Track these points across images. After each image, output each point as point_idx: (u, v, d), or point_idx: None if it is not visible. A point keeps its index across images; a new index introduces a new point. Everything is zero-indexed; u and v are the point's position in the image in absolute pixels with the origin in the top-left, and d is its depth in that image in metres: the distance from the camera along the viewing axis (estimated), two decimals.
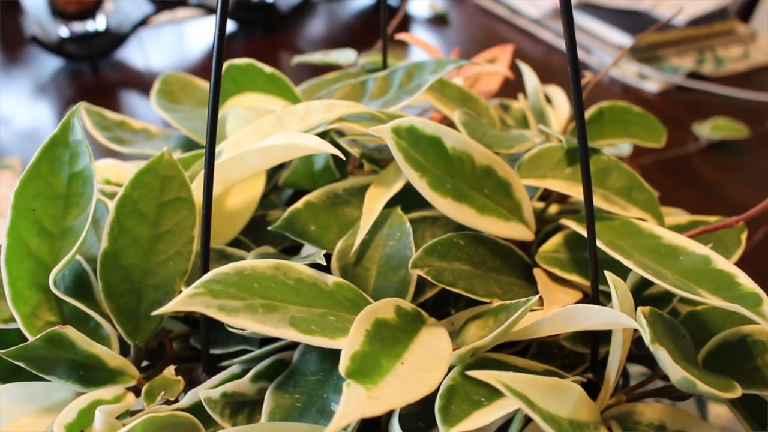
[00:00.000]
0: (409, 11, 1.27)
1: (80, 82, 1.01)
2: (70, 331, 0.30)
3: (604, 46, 1.07)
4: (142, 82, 1.02)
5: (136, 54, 1.08)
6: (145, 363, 0.36)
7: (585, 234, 0.34)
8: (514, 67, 0.53)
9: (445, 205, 0.33)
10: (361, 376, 0.25)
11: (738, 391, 0.28)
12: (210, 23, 1.17)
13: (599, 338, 0.34)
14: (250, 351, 0.33)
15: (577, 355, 0.35)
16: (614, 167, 0.38)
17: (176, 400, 0.32)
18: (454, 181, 0.34)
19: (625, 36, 1.05)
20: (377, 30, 1.20)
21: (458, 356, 0.29)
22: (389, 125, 0.32)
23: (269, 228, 0.35)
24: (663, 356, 0.27)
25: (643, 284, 0.35)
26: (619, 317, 0.27)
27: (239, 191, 0.39)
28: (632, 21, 1.09)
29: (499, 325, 0.31)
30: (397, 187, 0.36)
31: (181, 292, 0.33)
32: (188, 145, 0.48)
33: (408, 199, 0.37)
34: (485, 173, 0.36)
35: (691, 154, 0.85)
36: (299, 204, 0.36)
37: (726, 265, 0.32)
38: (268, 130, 0.37)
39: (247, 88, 0.42)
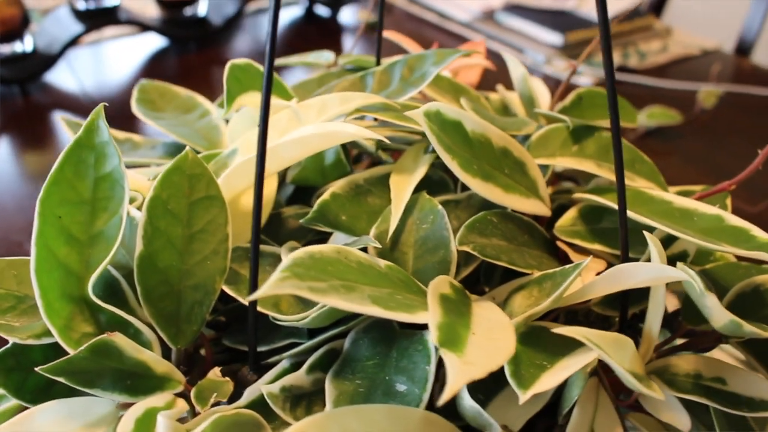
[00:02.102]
0: (341, 21, 1.28)
1: (10, 106, 0.96)
2: (119, 339, 0.29)
3: (535, 45, 1.11)
4: (75, 104, 0.98)
5: (66, 75, 1.04)
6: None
7: (605, 205, 0.35)
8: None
9: (475, 185, 0.34)
10: (450, 345, 0.25)
11: None
12: (140, 40, 1.14)
13: (628, 300, 0.35)
14: (298, 344, 0.33)
15: (603, 320, 0.37)
16: None
17: (227, 402, 0.31)
18: (479, 162, 0.35)
19: (554, 34, 1.10)
20: (311, 40, 1.20)
21: (516, 324, 0.30)
22: (421, 110, 0.33)
23: (301, 221, 0.35)
24: (713, 302, 0.29)
25: (665, 244, 0.37)
26: (667, 270, 0.29)
27: None
28: (559, 20, 1.14)
29: (544, 293, 0.32)
30: (421, 172, 0.37)
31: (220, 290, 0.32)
32: (177, 151, 0.46)
33: (420, 186, 0.37)
34: (503, 154, 0.37)
35: (631, 141, 0.90)
36: (326, 196, 0.36)
37: (738, 221, 0.34)
38: (285, 125, 0.37)
39: (249, 87, 0.41)
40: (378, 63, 0.47)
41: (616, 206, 0.36)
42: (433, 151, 0.39)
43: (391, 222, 0.35)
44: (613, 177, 0.39)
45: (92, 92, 0.99)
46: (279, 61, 0.56)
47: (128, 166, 0.46)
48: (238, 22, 1.21)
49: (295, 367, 0.33)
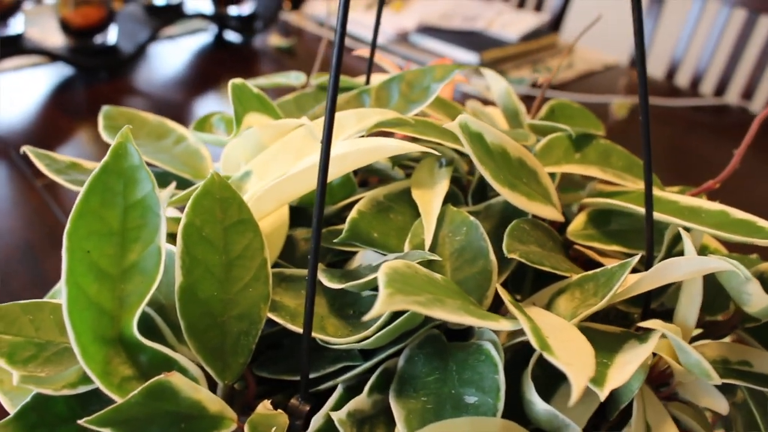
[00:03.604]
0: (256, 46, 1.26)
1: None
2: (176, 379, 0.27)
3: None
4: None
5: None
6: None
7: (616, 207, 0.37)
8: None
9: (505, 193, 0.35)
10: (548, 351, 0.25)
11: None
12: (43, 71, 1.07)
13: (651, 297, 0.37)
14: (351, 367, 0.31)
15: (623, 318, 0.38)
16: (612, 149, 0.42)
17: None
18: (503, 172, 0.36)
19: (470, 54, 1.13)
20: (224, 66, 1.18)
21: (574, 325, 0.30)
22: (458, 121, 0.33)
23: (335, 241, 0.34)
24: (755, 288, 0.30)
25: (673, 242, 0.39)
26: (711, 262, 0.31)
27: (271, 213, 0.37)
28: (472, 40, 1.18)
29: (588, 294, 0.33)
30: (444, 186, 0.37)
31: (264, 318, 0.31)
32: (161, 179, 0.44)
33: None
34: (519, 164, 0.38)
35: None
36: (354, 214, 0.35)
37: (742, 214, 0.37)
38: (300, 144, 0.36)
39: (248, 108, 0.40)
40: (368, 82, 0.47)
41: (629, 208, 0.37)
42: (449, 164, 0.40)
43: (425, 235, 0.34)
44: (616, 180, 0.40)
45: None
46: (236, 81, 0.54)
47: None
48: (148, 49, 1.17)
49: (349, 391, 0.31)
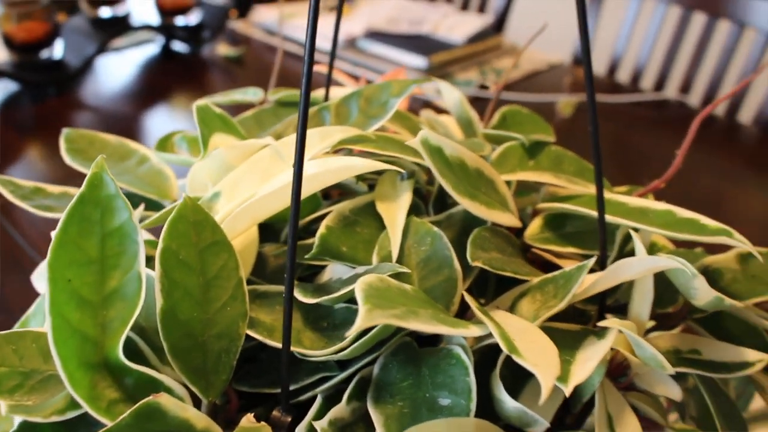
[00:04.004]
0: (204, 56, 1.25)
1: None
2: (164, 399, 0.28)
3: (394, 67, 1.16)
4: None
5: None
6: None
7: (570, 211, 0.39)
8: None
9: (466, 203, 0.37)
10: (515, 353, 0.27)
11: (748, 302, 0.35)
12: None
13: (606, 295, 0.39)
14: (329, 378, 0.33)
15: (580, 315, 0.41)
16: (563, 156, 0.44)
17: None
18: (462, 183, 0.38)
19: (418, 58, 1.16)
20: (172, 77, 1.17)
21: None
22: (419, 138, 0.35)
23: (306, 257, 0.36)
24: (701, 283, 0.33)
25: (624, 241, 0.41)
26: (661, 261, 0.33)
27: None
28: (419, 44, 1.21)
29: (549, 296, 0.35)
30: (408, 198, 0.38)
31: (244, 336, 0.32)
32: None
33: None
34: (477, 174, 0.39)
35: None
36: (323, 229, 0.37)
37: (687, 213, 0.39)
38: (268, 164, 0.37)
39: (212, 129, 0.41)
40: (326, 98, 0.48)
41: (582, 212, 0.40)
42: (410, 177, 0.41)
43: (392, 247, 0.36)
44: (569, 185, 0.43)
45: None
46: (204, 100, 0.55)
47: None
48: (95, 62, 1.15)
49: (327, 401, 0.33)
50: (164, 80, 1.17)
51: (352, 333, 0.24)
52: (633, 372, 0.36)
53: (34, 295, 0.65)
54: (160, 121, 1.05)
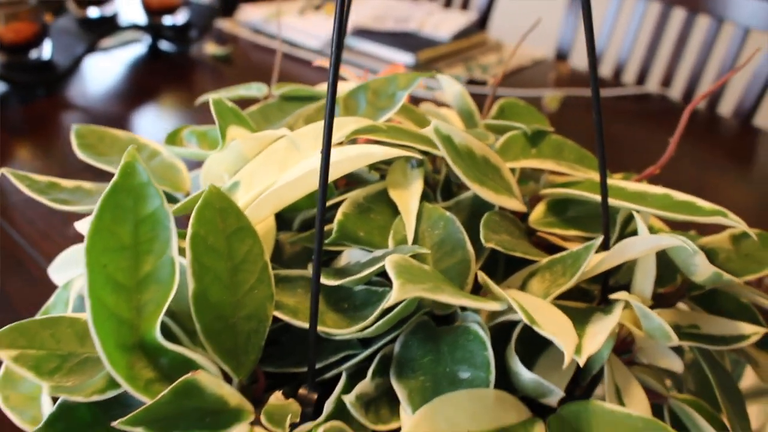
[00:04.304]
0: (192, 55, 1.26)
1: None
2: (202, 377, 0.29)
3: (385, 65, 1.18)
4: None
5: None
6: None
7: (573, 196, 0.41)
8: None
9: (477, 189, 0.38)
10: (534, 323, 0.29)
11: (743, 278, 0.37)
12: None
13: (609, 276, 0.41)
14: (353, 356, 0.34)
15: (584, 294, 0.42)
16: (564, 144, 0.46)
17: (295, 423, 0.32)
18: (471, 170, 0.39)
19: (406, 55, 1.17)
20: (160, 76, 1.18)
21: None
22: (432, 127, 0.36)
23: (327, 241, 0.37)
24: (702, 260, 0.35)
25: (624, 224, 0.43)
26: (664, 240, 0.35)
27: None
28: (407, 41, 1.22)
29: (557, 275, 0.37)
30: (419, 185, 0.40)
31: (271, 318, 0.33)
32: None
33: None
34: (484, 162, 0.41)
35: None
36: (340, 216, 0.38)
37: (683, 196, 0.41)
38: (284, 154, 0.39)
39: (229, 121, 0.42)
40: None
41: (584, 196, 0.42)
42: (419, 165, 0.43)
43: (407, 231, 0.38)
44: (570, 171, 0.45)
45: None
46: (205, 98, 0.56)
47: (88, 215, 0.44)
48: (83, 63, 1.15)
49: (351, 378, 0.34)
50: (153, 80, 1.17)
51: (389, 304, 0.25)
52: (637, 347, 0.38)
53: (37, 293, 0.66)
54: (149, 120, 1.05)
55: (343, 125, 0.39)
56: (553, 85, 1.17)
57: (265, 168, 0.38)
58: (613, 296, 0.34)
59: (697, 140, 1.02)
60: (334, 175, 0.36)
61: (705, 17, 1.22)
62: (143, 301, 0.31)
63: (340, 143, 0.41)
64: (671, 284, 0.43)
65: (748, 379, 0.52)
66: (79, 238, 0.77)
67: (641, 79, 1.26)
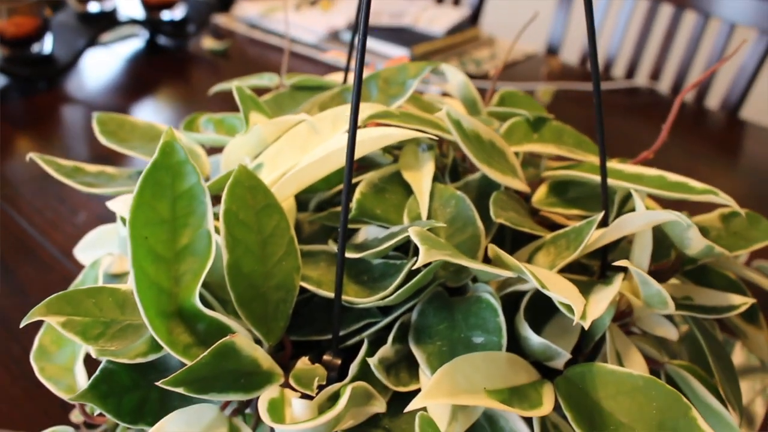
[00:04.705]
0: (190, 50, 1.28)
1: None
2: (239, 340, 0.32)
3: (384, 60, 1.20)
4: None
5: None
6: None
7: (573, 178, 0.44)
8: None
9: (485, 169, 0.41)
10: (545, 287, 0.31)
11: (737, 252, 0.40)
12: None
13: (608, 251, 0.44)
14: (374, 323, 0.37)
15: (583, 269, 0.45)
16: (563, 129, 0.49)
17: (322, 385, 0.35)
18: (479, 152, 0.42)
19: (401, 49, 1.20)
20: (159, 70, 1.19)
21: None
22: (445, 111, 0.39)
23: (349, 216, 0.39)
24: (695, 233, 0.38)
25: (621, 203, 0.46)
26: (660, 215, 0.38)
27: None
28: (401, 36, 1.25)
29: (561, 249, 0.39)
30: (431, 167, 0.42)
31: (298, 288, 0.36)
32: None
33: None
34: (491, 145, 0.44)
35: None
36: (358, 195, 0.41)
37: (676, 177, 0.44)
38: (305, 138, 0.41)
39: (250, 107, 0.44)
40: (345, 80, 0.52)
41: (585, 177, 0.44)
42: (429, 148, 0.45)
43: (421, 209, 0.40)
44: (569, 155, 0.47)
45: None
46: (220, 87, 0.58)
47: (113, 197, 0.46)
48: (85, 56, 1.17)
49: (372, 344, 0.37)
50: (151, 74, 1.19)
51: (418, 265, 0.28)
52: (634, 316, 0.41)
53: (48, 279, 0.68)
54: (147, 113, 1.07)
55: (360, 110, 0.42)
56: (545, 79, 1.20)
57: (288, 150, 0.41)
58: (615, 263, 0.36)
59: (686, 132, 1.06)
60: (356, 154, 0.38)
61: (692, 13, 1.25)
62: (181, 272, 0.34)
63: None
64: (665, 260, 0.45)
65: (737, 358, 0.55)
66: (86, 226, 0.78)
67: (630, 73, 1.30)
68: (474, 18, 1.51)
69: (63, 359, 0.40)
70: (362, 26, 0.31)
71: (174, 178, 0.34)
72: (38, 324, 0.39)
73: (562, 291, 0.32)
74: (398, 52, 1.20)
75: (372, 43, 1.23)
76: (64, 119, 1.03)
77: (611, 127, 1.06)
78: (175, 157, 0.34)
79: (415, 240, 0.30)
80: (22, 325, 0.31)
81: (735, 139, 1.07)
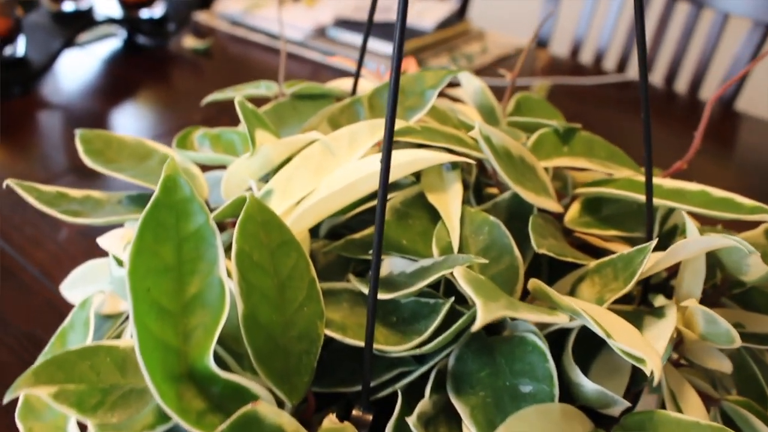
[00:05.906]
0: (170, 49, 1.22)
1: None
2: (262, 407, 0.28)
3: (372, 57, 1.16)
4: None
5: None
6: None
7: (605, 195, 0.40)
8: None
9: (519, 190, 0.37)
10: (611, 337, 0.28)
11: None
12: None
13: (651, 276, 0.40)
14: (408, 372, 0.33)
15: (623, 296, 0.41)
16: (595, 141, 0.45)
17: None
18: (511, 171, 0.38)
19: (390, 45, 1.15)
20: (138, 70, 1.14)
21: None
22: (478, 129, 0.35)
23: (370, 252, 0.35)
24: (756, 260, 0.34)
25: (662, 221, 0.42)
26: (716, 240, 0.34)
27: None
28: (389, 31, 1.20)
29: (609, 279, 0.36)
30: (459, 188, 0.38)
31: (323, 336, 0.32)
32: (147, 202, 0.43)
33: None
34: (521, 161, 0.40)
35: None
36: None
37: (722, 193, 0.41)
38: (319, 160, 0.37)
39: (255, 125, 0.40)
40: (354, 91, 0.48)
41: (622, 195, 0.40)
42: (454, 167, 0.41)
43: (452, 238, 0.36)
44: (601, 168, 0.44)
45: None
46: (215, 96, 0.53)
47: (103, 226, 0.42)
48: (60, 58, 1.11)
49: (405, 394, 0.33)
50: (131, 75, 1.13)
51: (476, 328, 0.24)
52: (686, 348, 0.38)
53: (31, 304, 0.63)
54: (129, 117, 1.02)
55: (378, 128, 0.38)
56: (538, 73, 1.16)
57: (300, 174, 0.36)
58: (685, 303, 0.33)
59: (681, 125, 1.03)
60: (374, 187, 0.34)
61: (684, 3, 1.22)
62: (190, 327, 0.29)
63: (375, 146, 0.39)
64: (711, 282, 0.42)
65: None
66: (69, 243, 0.73)
67: (622, 66, 1.26)
68: (462, 11, 1.47)
69: (52, 416, 0.36)
70: (398, 34, 0.27)
71: (178, 219, 0.29)
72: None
73: (630, 341, 0.28)
74: (387, 49, 1.15)
75: (358, 39, 1.18)
76: (40, 126, 0.97)
77: (603, 123, 1.03)
78: (179, 194, 0.29)
79: (468, 290, 0.26)
80: (5, 401, 0.27)
81: (730, 130, 1.05)
